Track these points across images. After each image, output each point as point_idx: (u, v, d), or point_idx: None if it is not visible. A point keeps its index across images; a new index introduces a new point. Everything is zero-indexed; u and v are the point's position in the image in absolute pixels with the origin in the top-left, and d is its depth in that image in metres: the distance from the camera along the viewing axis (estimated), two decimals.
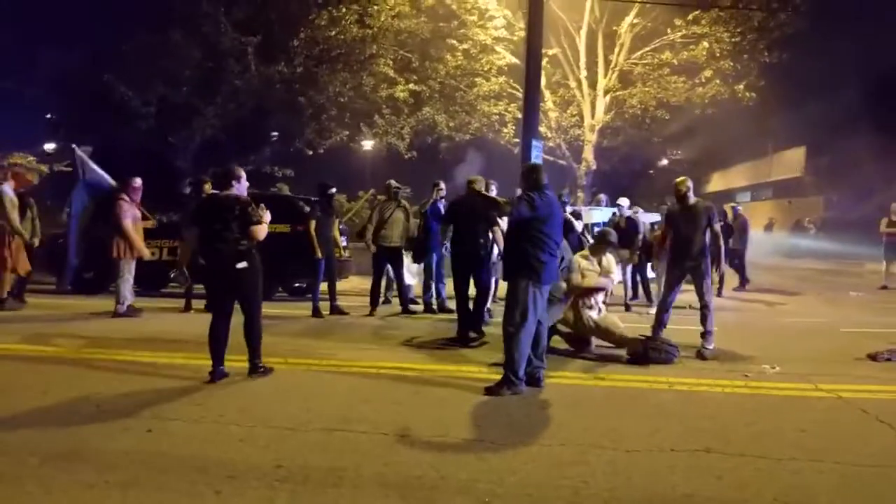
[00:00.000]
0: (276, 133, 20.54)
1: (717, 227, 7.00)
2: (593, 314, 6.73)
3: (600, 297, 6.94)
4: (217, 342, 5.24)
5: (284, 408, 4.56)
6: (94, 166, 9.14)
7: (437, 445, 3.92)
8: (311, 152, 20.06)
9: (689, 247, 6.92)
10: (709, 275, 6.98)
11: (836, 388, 5.35)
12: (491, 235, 7.68)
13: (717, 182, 46.86)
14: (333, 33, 16.89)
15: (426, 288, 9.64)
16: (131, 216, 8.44)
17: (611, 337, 6.68)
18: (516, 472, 3.52)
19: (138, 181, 8.69)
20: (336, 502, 3.16)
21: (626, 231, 10.10)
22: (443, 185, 9.77)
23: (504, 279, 5.50)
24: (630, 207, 10.93)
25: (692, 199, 7.11)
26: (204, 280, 5.44)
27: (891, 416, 4.60)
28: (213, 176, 7.34)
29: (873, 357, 6.55)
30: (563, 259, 5.87)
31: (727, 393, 5.27)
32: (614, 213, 11.02)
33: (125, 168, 10.17)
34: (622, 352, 6.52)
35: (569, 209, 9.07)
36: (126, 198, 8.50)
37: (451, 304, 8.91)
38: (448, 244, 8.20)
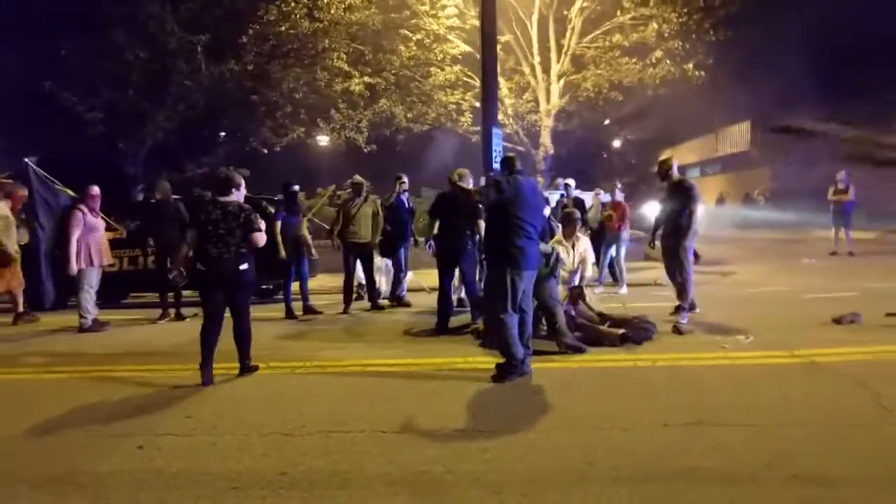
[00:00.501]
0: (223, 133, 20.04)
1: (695, 206, 7.23)
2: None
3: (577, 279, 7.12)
4: (210, 345, 5.39)
5: (277, 414, 4.51)
6: (47, 179, 8.80)
7: (438, 439, 3.94)
8: (266, 151, 19.70)
9: (672, 223, 7.20)
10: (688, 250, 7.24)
11: (809, 354, 5.56)
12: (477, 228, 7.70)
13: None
14: (283, 28, 16.57)
15: (396, 282, 9.62)
16: (83, 226, 8.12)
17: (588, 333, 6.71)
18: (521, 459, 3.57)
19: (96, 189, 8.39)
20: (348, 502, 3.15)
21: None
22: (405, 179, 9.75)
23: (486, 267, 5.55)
24: (593, 189, 11.18)
25: (676, 176, 7.39)
26: (199, 284, 5.46)
27: (864, 377, 4.82)
28: (212, 183, 7.31)
29: (838, 321, 6.83)
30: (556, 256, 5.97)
31: (708, 366, 5.42)
32: (562, 195, 11.20)
33: (74, 177, 9.79)
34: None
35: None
36: (83, 208, 8.21)
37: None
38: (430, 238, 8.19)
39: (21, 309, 8.78)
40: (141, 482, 3.46)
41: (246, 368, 5.54)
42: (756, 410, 4.22)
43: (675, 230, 7.30)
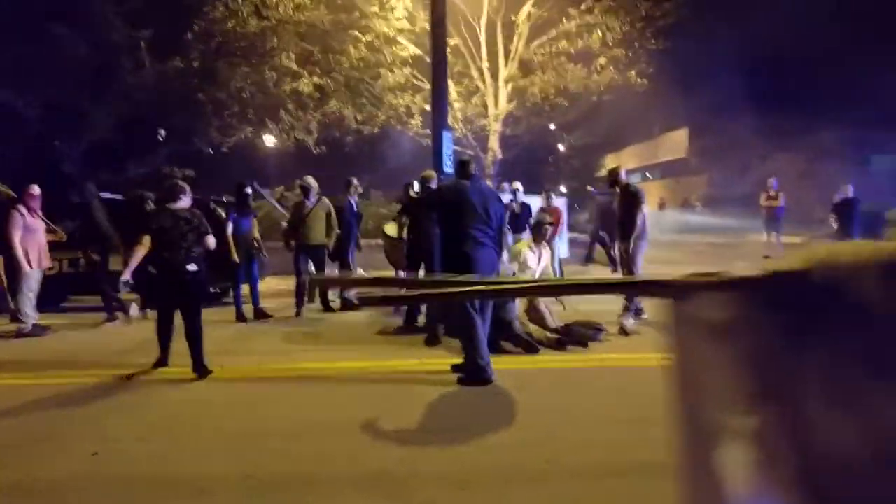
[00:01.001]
0: (165, 132, 19.45)
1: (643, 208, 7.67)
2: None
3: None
4: (166, 337, 5.78)
5: (236, 418, 4.49)
6: None
7: (400, 439, 4.01)
8: (211, 151, 19.28)
9: (625, 228, 7.60)
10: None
11: None
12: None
13: (610, 163, 49.04)
14: (231, 25, 16.27)
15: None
16: (23, 227, 7.82)
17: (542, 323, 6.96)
18: (483, 457, 3.69)
19: (36, 189, 8.08)
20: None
21: (521, 216, 10.67)
22: (356, 182, 9.79)
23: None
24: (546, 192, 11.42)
25: (624, 182, 7.89)
26: (154, 286, 5.86)
27: None
28: (161, 191, 7.48)
29: None
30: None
31: (654, 364, 5.64)
32: (511, 200, 11.34)
33: (7, 176, 9.37)
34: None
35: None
36: (22, 208, 7.90)
37: None
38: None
39: None
40: (102, 486, 3.41)
41: (199, 370, 5.54)
42: None
43: (624, 234, 7.62)
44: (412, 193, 8.37)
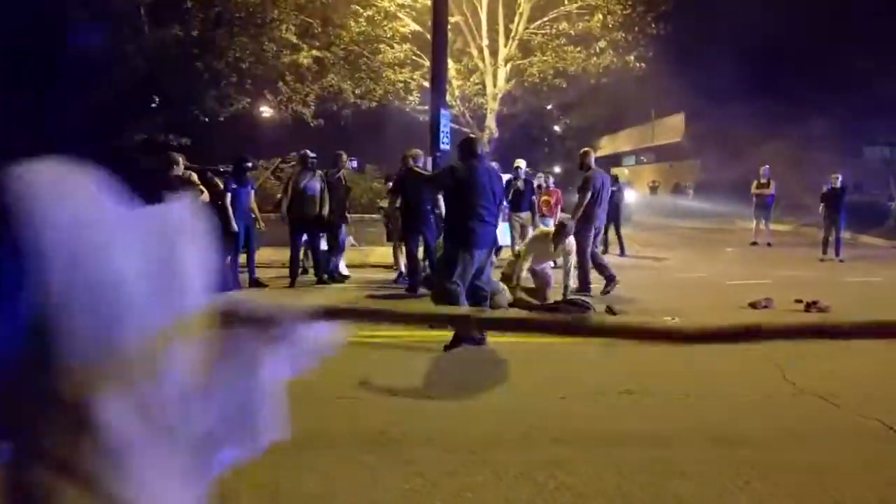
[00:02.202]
0: (159, 98, 19.37)
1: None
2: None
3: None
4: None
5: None
6: None
7: (393, 404, 4.25)
8: (207, 120, 19.23)
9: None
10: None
11: None
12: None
13: (606, 146, 49.25)
14: None
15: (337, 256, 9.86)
16: None
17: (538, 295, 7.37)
18: (469, 423, 3.93)
19: None
20: (316, 459, 3.42)
21: (525, 193, 10.85)
22: (345, 156, 9.95)
23: (444, 243, 5.95)
24: (542, 172, 11.61)
25: (588, 167, 8.55)
26: None
27: (772, 355, 5.40)
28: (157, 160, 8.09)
29: (753, 305, 7.52)
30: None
31: (637, 344, 5.91)
32: (512, 178, 11.34)
33: (3, 144, 9.48)
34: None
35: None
36: None
37: None
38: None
39: None
40: None
41: None
42: (680, 382, 4.72)
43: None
44: (413, 166, 8.45)
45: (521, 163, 11.48)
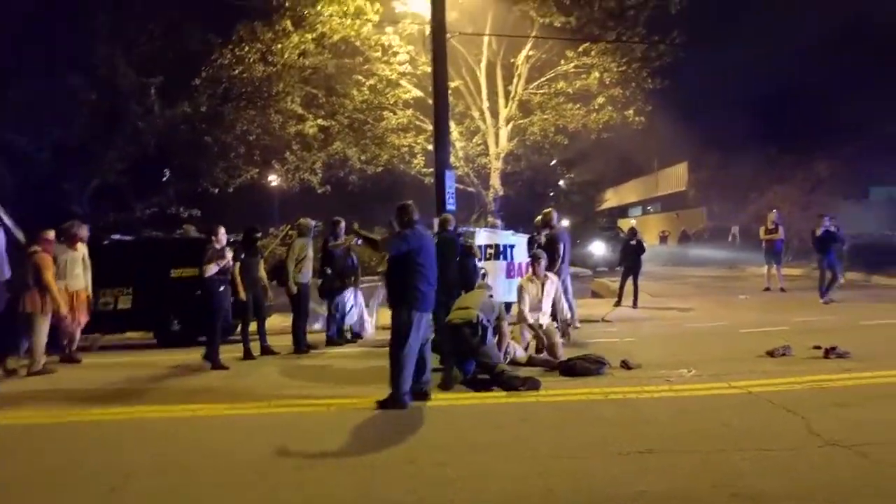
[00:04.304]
0: (171, 172, 19.82)
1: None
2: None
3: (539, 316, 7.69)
4: None
5: (247, 451, 4.61)
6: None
7: (409, 471, 4.13)
8: (217, 191, 19.61)
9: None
10: None
11: (745, 385, 6.03)
12: None
13: (611, 199, 49.63)
14: (237, 72, 16.77)
15: (334, 322, 9.80)
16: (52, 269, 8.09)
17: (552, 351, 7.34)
18: (487, 487, 3.81)
19: (51, 233, 8.37)
20: None
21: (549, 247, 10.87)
22: (343, 223, 10.05)
23: (389, 307, 6.06)
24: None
25: (554, 225, 9.62)
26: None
27: (794, 405, 5.28)
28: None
29: (771, 353, 7.37)
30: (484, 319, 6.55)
31: (656, 398, 5.80)
32: (533, 234, 11.23)
33: (16, 217, 9.61)
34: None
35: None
36: (43, 250, 8.13)
37: None
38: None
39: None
40: None
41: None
42: (700, 438, 4.59)
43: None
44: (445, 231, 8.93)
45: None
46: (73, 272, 8.66)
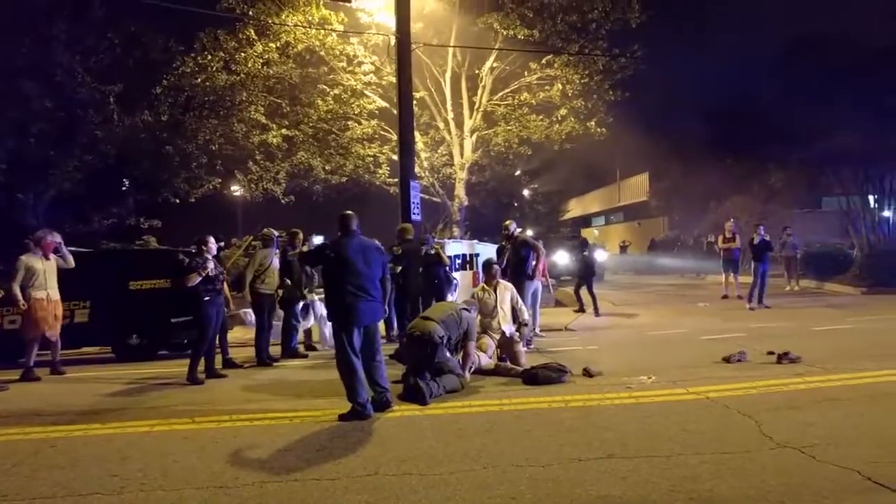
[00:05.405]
0: (128, 182, 19.45)
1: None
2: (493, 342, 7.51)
3: (502, 325, 7.78)
4: None
5: (206, 467, 4.55)
6: None
7: (371, 484, 4.12)
8: (178, 201, 19.31)
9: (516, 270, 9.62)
10: None
11: (703, 390, 6.18)
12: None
13: (575, 208, 50.27)
14: (199, 81, 16.59)
15: (293, 334, 9.73)
16: None
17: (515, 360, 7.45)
18: (451, 497, 3.83)
19: None
20: None
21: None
22: (301, 235, 10.04)
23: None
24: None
25: (518, 235, 10.11)
26: None
27: (749, 409, 5.44)
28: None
29: (727, 359, 7.58)
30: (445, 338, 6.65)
31: (616, 405, 5.90)
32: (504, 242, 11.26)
33: None
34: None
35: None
36: None
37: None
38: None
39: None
40: None
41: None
42: (659, 443, 4.69)
43: (518, 276, 9.48)
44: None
45: (513, 225, 11.26)
46: (51, 282, 8.62)
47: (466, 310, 7.27)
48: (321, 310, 10.19)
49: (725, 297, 15.68)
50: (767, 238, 13.81)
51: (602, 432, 5.00)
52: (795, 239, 17.60)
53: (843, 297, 15.87)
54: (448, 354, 6.77)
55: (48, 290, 8.54)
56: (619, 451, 4.50)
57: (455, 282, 10.80)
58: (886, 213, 20.45)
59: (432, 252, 9.86)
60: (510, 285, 8.38)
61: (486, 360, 7.57)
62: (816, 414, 5.32)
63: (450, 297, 9.80)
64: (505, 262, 9.87)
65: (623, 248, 38.52)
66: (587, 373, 7.15)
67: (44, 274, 8.51)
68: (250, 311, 9.76)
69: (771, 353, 7.70)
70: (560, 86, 18.79)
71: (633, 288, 20.78)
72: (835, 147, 23.73)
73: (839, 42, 20.12)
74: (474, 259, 12.84)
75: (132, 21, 16.84)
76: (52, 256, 8.72)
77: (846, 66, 18.93)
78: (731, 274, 15.84)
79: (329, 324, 9.98)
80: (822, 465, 4.15)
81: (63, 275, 8.91)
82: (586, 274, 13.71)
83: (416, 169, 17.06)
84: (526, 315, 8.26)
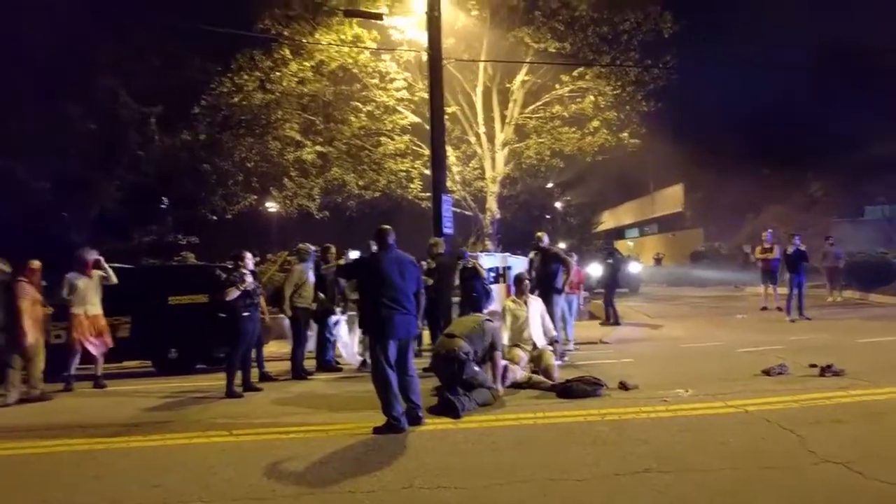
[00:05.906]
0: (169, 200, 19.99)
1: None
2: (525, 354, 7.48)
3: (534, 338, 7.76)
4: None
5: (244, 479, 4.61)
6: None
7: (407, 497, 4.14)
8: (216, 218, 19.76)
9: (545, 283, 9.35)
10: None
11: (742, 403, 6.05)
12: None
13: (608, 220, 49.75)
14: (236, 100, 17.02)
15: (328, 347, 9.79)
16: (30, 299, 8.12)
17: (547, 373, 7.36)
18: None
19: (37, 263, 8.38)
20: None
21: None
22: (333, 248, 10.14)
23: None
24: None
25: (547, 246, 9.86)
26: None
27: (790, 423, 5.30)
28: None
29: (767, 372, 7.40)
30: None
31: (652, 418, 5.82)
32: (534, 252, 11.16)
33: (15, 247, 9.63)
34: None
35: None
36: (25, 280, 8.16)
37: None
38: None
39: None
40: None
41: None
42: (697, 456, 4.60)
43: (546, 290, 9.18)
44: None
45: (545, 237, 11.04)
46: (90, 298, 8.98)
47: (489, 320, 7.28)
48: (344, 328, 10.09)
49: (765, 308, 15.33)
50: (803, 248, 13.41)
51: (639, 446, 4.93)
52: (838, 249, 17.12)
53: (888, 309, 15.37)
54: (477, 368, 6.77)
55: (86, 306, 8.89)
56: (656, 465, 4.43)
57: (493, 295, 10.78)
58: None
59: (469, 266, 9.86)
60: (539, 301, 8.35)
61: (521, 372, 7.53)
62: (862, 428, 5.17)
63: (487, 310, 9.79)
64: (534, 272, 9.80)
65: (657, 261, 37.95)
66: (623, 386, 7.06)
67: (83, 291, 8.85)
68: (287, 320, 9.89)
69: (813, 365, 7.49)
70: (592, 97, 18.73)
71: (668, 300, 20.46)
72: (878, 154, 23.14)
73: (881, 47, 19.66)
74: (507, 272, 12.82)
75: (172, 43, 17.39)
76: (93, 273, 9.02)
77: (888, 71, 18.48)
78: (770, 285, 15.50)
79: (348, 343, 10.08)
80: (869, 482, 4.02)
81: (106, 291, 9.19)
82: (610, 283, 13.67)
83: (448, 182, 17.21)
84: (553, 332, 8.20)
